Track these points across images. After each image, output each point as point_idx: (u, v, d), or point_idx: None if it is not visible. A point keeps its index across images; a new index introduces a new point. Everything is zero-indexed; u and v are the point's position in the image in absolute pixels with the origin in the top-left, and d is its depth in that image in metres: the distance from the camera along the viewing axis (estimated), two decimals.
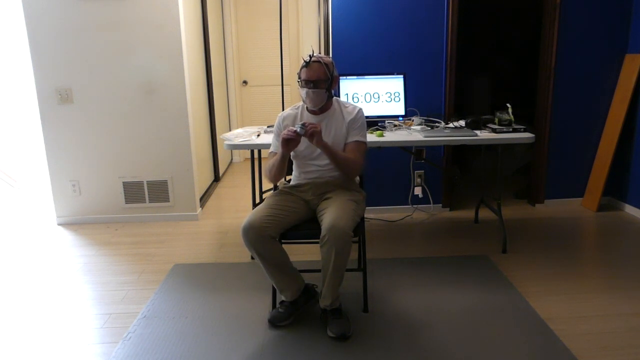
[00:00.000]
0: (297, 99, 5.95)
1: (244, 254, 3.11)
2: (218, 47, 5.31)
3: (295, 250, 3.11)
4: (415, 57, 3.64)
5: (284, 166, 2.32)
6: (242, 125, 5.96)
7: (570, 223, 3.61)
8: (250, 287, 2.67)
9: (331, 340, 2.17)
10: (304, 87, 2.28)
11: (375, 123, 3.19)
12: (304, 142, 2.34)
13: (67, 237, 3.54)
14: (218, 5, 5.35)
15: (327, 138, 2.34)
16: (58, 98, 3.58)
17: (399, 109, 3.32)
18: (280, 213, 2.22)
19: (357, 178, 2.58)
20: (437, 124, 3.26)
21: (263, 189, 3.43)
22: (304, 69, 2.28)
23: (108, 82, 3.57)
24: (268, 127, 3.24)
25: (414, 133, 3.06)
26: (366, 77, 3.30)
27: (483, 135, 2.98)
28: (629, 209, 3.79)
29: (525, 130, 3.03)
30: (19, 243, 3.47)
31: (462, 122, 3.25)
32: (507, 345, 2.10)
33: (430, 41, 3.62)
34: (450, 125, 3.25)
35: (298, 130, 2.18)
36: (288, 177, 2.61)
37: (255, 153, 3.18)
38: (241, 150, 6.06)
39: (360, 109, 2.40)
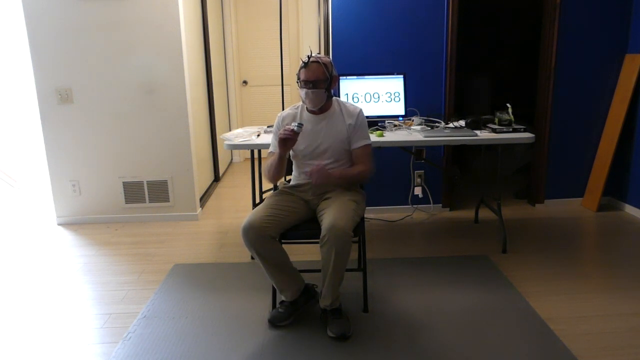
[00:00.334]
0: (297, 99, 5.95)
1: (244, 254, 3.11)
2: (218, 47, 5.31)
3: (295, 250, 3.11)
4: (415, 57, 3.65)
5: (283, 166, 2.32)
6: (242, 125, 5.97)
7: (570, 223, 3.61)
8: (250, 287, 2.67)
9: (331, 340, 2.17)
10: (303, 87, 2.29)
11: (375, 123, 3.19)
12: (303, 142, 2.34)
13: (67, 237, 3.54)
14: (218, 5, 5.35)
15: (327, 139, 2.35)
16: (58, 98, 3.58)
17: (399, 109, 3.32)
18: (280, 213, 2.22)
19: None
20: (437, 124, 3.26)
21: (263, 189, 3.43)
22: (303, 70, 2.28)
23: (108, 82, 3.58)
24: (268, 127, 3.24)
25: (414, 133, 3.06)
26: (366, 77, 3.30)
27: (483, 135, 2.98)
28: (629, 209, 3.79)
29: (525, 130, 3.03)
30: (19, 243, 3.47)
31: (462, 122, 3.25)
32: (507, 345, 2.10)
33: (430, 41, 3.62)
34: (450, 125, 3.25)
35: (295, 128, 2.18)
36: (288, 177, 2.61)
37: (255, 153, 3.18)
38: (241, 150, 6.06)
39: (361, 110, 2.41)
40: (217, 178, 5.07)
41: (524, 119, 3.49)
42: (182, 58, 3.57)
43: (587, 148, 3.92)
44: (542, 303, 2.45)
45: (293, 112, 2.45)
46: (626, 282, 2.67)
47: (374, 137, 2.91)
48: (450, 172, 3.89)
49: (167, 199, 3.81)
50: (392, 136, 2.98)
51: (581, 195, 4.01)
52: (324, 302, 2.23)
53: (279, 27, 5.50)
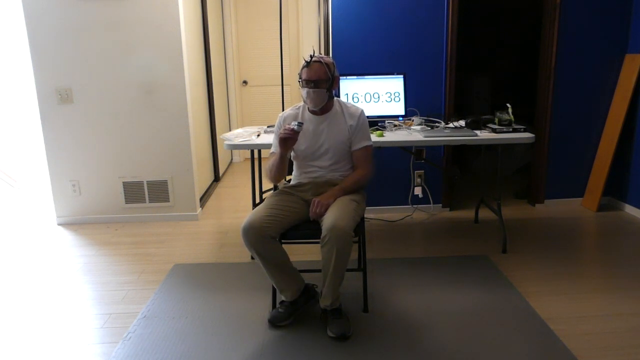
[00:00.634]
0: (297, 99, 5.95)
1: (244, 254, 3.11)
2: (218, 47, 5.31)
3: (295, 250, 3.11)
4: (415, 57, 3.65)
5: (284, 166, 2.32)
6: (242, 125, 5.97)
7: (570, 223, 3.61)
8: (250, 287, 2.67)
9: (331, 340, 2.17)
10: (304, 87, 2.29)
11: (375, 123, 3.19)
12: (304, 142, 2.35)
13: (67, 237, 3.54)
14: (218, 5, 5.35)
15: (328, 140, 2.35)
16: (58, 98, 3.58)
17: (399, 109, 3.32)
18: (280, 213, 2.22)
19: None
20: (437, 124, 3.26)
21: (263, 189, 3.44)
22: (305, 69, 2.28)
23: (108, 82, 3.58)
24: (268, 127, 3.25)
25: (414, 133, 3.06)
26: (366, 77, 3.30)
27: (483, 135, 2.98)
28: (629, 209, 3.79)
29: (525, 130, 3.03)
30: (19, 243, 3.47)
31: (462, 122, 3.25)
32: (507, 345, 2.10)
33: (430, 41, 3.62)
34: (450, 125, 3.25)
35: (295, 127, 2.18)
36: (288, 177, 2.61)
37: (255, 153, 3.18)
38: (241, 150, 6.06)
39: (362, 112, 2.41)
40: (217, 178, 5.07)
41: (524, 119, 3.49)
42: (182, 58, 3.57)
43: (587, 148, 3.92)
44: (542, 303, 2.45)
45: (294, 112, 2.44)
46: (626, 282, 2.67)
47: (374, 137, 2.91)
48: (450, 172, 3.89)
49: (167, 199, 3.81)
50: (392, 136, 2.98)
51: (581, 195, 4.01)
52: (324, 302, 2.23)
53: (279, 27, 5.50)
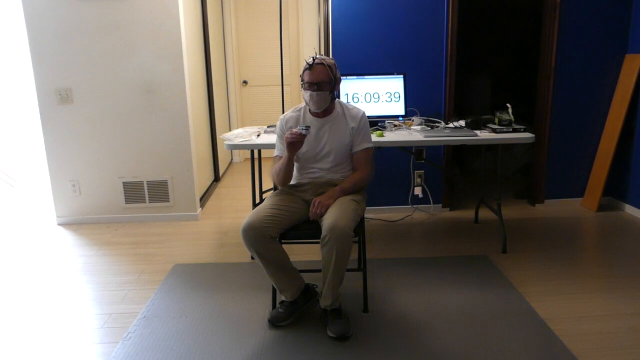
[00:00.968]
0: (297, 99, 5.95)
1: (244, 254, 3.11)
2: (218, 47, 5.31)
3: (295, 250, 3.11)
4: (415, 57, 3.65)
5: (291, 168, 2.33)
6: (242, 125, 5.97)
7: (570, 223, 3.61)
8: (250, 287, 2.67)
9: (331, 340, 2.17)
10: (307, 89, 2.27)
11: (375, 123, 3.19)
12: (305, 145, 2.35)
13: (67, 237, 3.54)
14: (218, 5, 5.35)
15: (330, 143, 2.35)
16: (58, 98, 3.58)
17: (399, 109, 3.32)
18: (280, 213, 2.22)
19: None
20: (437, 124, 3.26)
21: (263, 189, 3.44)
22: (307, 71, 2.26)
23: (108, 82, 3.58)
24: (268, 127, 3.25)
25: (414, 133, 3.06)
26: (366, 77, 3.30)
27: (483, 135, 2.98)
28: (629, 209, 3.79)
29: (525, 130, 3.03)
30: (19, 243, 3.47)
31: (462, 122, 3.25)
32: (507, 345, 2.10)
33: (430, 41, 3.62)
34: (450, 125, 3.25)
35: (303, 131, 2.18)
36: None
37: (255, 153, 3.18)
38: (241, 150, 6.06)
39: (364, 113, 2.41)
40: (217, 178, 5.07)
41: (524, 119, 3.49)
42: (182, 58, 3.57)
43: (587, 148, 3.92)
44: (542, 303, 2.45)
45: (295, 114, 2.44)
46: (626, 282, 2.67)
47: (374, 137, 2.91)
48: (450, 172, 3.89)
49: (167, 199, 3.81)
50: (392, 136, 2.98)
51: (581, 195, 4.01)
52: (324, 302, 2.23)
53: (279, 27, 5.51)
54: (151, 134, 3.68)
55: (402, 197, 3.91)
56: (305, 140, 2.30)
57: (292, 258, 2.33)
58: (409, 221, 3.73)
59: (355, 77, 3.29)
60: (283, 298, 2.33)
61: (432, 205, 3.92)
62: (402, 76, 3.31)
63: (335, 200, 2.25)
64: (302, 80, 2.29)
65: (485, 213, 3.77)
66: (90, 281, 2.83)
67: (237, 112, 5.91)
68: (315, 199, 2.25)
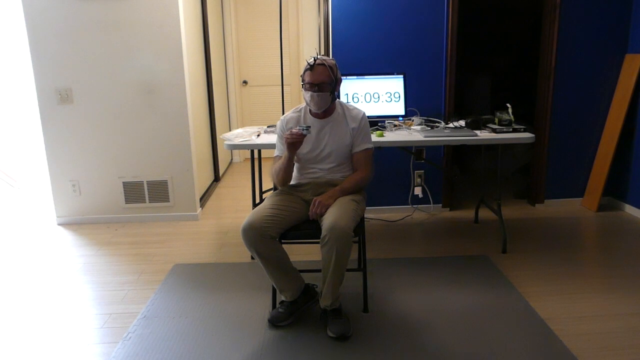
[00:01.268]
0: (297, 99, 5.95)
1: (244, 254, 3.11)
2: (218, 47, 5.31)
3: (295, 250, 3.11)
4: (415, 57, 3.65)
5: (291, 168, 2.33)
6: (242, 125, 5.97)
7: (570, 223, 3.61)
8: (250, 287, 2.67)
9: (331, 340, 2.17)
10: (308, 90, 2.27)
11: (375, 123, 3.19)
12: (306, 146, 2.35)
13: (67, 237, 3.54)
14: (218, 5, 5.35)
15: (330, 143, 2.35)
16: (58, 98, 3.58)
17: (399, 109, 3.32)
18: (280, 213, 2.22)
19: None
20: (437, 124, 3.26)
21: (263, 189, 3.44)
22: (308, 72, 2.26)
23: (108, 82, 3.58)
24: (268, 127, 3.25)
25: (414, 133, 3.06)
26: (366, 77, 3.30)
27: (483, 135, 2.98)
28: (629, 209, 3.79)
29: (525, 130, 3.03)
30: (19, 243, 3.47)
31: (462, 122, 3.25)
32: (506, 345, 2.10)
33: (430, 41, 3.62)
34: (450, 125, 3.25)
35: (304, 132, 2.18)
36: None
37: (255, 153, 3.18)
38: (241, 150, 6.06)
39: (364, 114, 2.41)
40: (217, 178, 5.07)
41: (524, 119, 3.49)
42: (182, 58, 3.57)
43: (587, 148, 3.92)
44: (542, 303, 2.45)
45: (296, 115, 2.44)
46: (626, 282, 2.67)
47: (374, 137, 2.91)
48: (450, 172, 3.89)
49: (167, 199, 3.81)
50: (392, 136, 2.98)
51: (581, 195, 4.01)
52: (324, 302, 2.23)
53: (279, 27, 5.51)
54: (151, 134, 3.68)
55: (402, 197, 3.91)
56: (306, 140, 2.30)
57: (292, 258, 2.33)
58: (409, 221, 3.73)
59: (355, 77, 3.29)
60: (283, 298, 2.33)
61: (432, 205, 3.92)
62: (402, 76, 3.31)
63: (335, 200, 2.25)
64: (303, 81, 2.29)
65: (485, 213, 3.77)
66: (90, 281, 2.83)
67: (237, 112, 5.91)
68: (315, 199, 2.25)
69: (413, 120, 3.27)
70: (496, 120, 3.13)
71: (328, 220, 2.10)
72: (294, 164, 2.34)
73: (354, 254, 2.32)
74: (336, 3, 3.53)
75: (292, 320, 2.31)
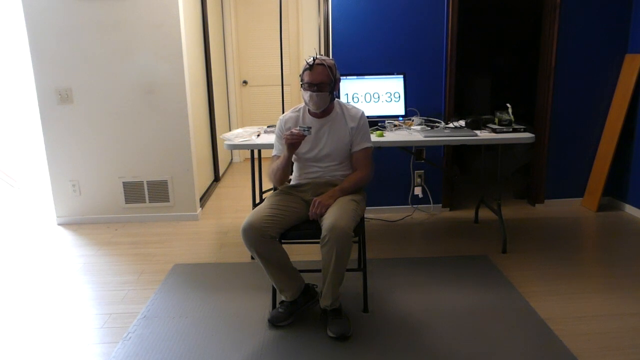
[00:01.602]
0: (296, 99, 5.95)
1: (244, 254, 3.11)
2: (218, 47, 5.31)
3: (295, 250, 3.11)
4: (415, 57, 3.65)
5: (289, 168, 2.33)
6: (242, 125, 5.97)
7: (570, 223, 3.61)
8: (250, 287, 2.67)
9: (331, 340, 2.17)
10: (307, 90, 2.27)
11: (375, 123, 3.19)
12: (305, 145, 2.35)
13: (67, 237, 3.54)
14: (218, 5, 5.35)
15: (330, 143, 2.35)
16: (58, 98, 3.58)
17: (399, 109, 3.32)
18: (280, 213, 2.22)
19: None
20: (437, 124, 3.26)
21: (263, 189, 3.44)
22: (308, 72, 2.26)
23: (108, 82, 3.58)
24: (268, 127, 3.25)
25: (414, 133, 3.06)
26: (366, 77, 3.30)
27: (483, 135, 2.98)
28: (629, 209, 3.79)
29: (525, 130, 3.03)
30: (19, 243, 3.47)
31: (462, 122, 3.25)
32: (506, 345, 2.10)
33: (430, 41, 3.62)
34: (450, 125, 3.25)
35: (305, 132, 2.19)
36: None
37: (255, 153, 3.18)
38: (241, 150, 6.06)
39: (363, 113, 2.41)
40: (217, 178, 5.07)
41: (524, 119, 3.49)
42: (182, 58, 3.57)
43: (587, 148, 3.92)
44: (542, 303, 2.45)
45: (295, 114, 2.44)
46: (626, 282, 2.67)
47: (374, 137, 2.91)
48: (450, 172, 3.89)
49: (167, 199, 3.81)
50: (392, 136, 2.98)
51: (581, 195, 4.01)
52: (324, 302, 2.23)
53: (279, 27, 5.51)
54: (151, 134, 3.68)
55: (402, 197, 3.91)
56: (305, 140, 2.30)
57: (292, 258, 2.33)
58: (409, 221, 3.73)
59: (355, 77, 3.29)
60: (283, 298, 2.33)
61: (432, 205, 3.92)
62: (402, 76, 3.31)
63: (335, 200, 2.25)
64: (302, 81, 2.29)
65: (485, 213, 3.77)
66: (90, 281, 2.83)
67: (237, 112, 5.91)
68: (315, 199, 2.25)
69: (413, 120, 3.27)
70: (496, 120, 3.13)
71: (328, 220, 2.10)
72: (291, 164, 2.34)
73: (354, 254, 2.32)
74: (336, 3, 3.53)
75: (292, 320, 2.31)
